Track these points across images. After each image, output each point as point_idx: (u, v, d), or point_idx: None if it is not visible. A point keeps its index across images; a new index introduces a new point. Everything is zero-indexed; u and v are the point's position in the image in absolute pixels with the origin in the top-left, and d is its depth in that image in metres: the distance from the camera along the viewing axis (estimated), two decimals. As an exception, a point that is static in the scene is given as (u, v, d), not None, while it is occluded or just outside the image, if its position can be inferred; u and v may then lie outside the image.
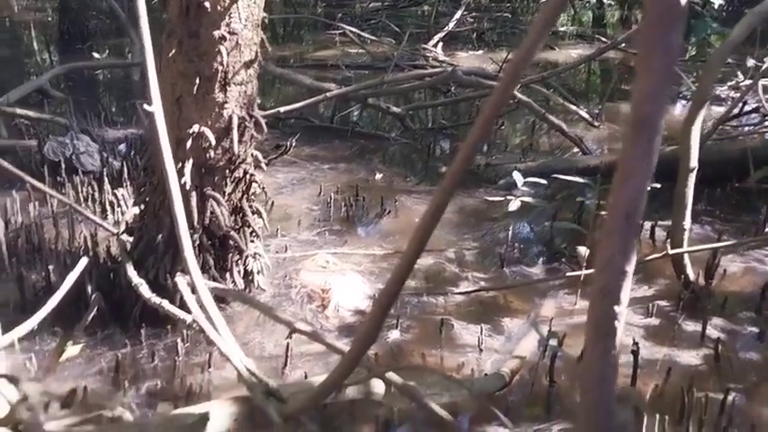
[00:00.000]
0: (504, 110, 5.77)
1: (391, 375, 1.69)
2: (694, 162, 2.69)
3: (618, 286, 1.09)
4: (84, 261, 1.78)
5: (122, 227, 2.78)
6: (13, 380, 0.67)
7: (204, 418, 1.29)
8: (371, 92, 5.01)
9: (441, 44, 7.40)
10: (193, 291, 1.83)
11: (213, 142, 2.48)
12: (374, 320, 1.37)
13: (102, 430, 1.20)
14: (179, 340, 2.50)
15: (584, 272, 2.76)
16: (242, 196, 2.72)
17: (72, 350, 2.48)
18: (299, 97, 5.13)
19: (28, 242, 3.17)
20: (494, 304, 2.88)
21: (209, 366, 2.43)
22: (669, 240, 2.88)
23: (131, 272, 2.47)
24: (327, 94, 4.73)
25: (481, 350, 2.54)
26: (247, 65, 2.48)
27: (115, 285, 2.73)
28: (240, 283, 2.78)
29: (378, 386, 1.78)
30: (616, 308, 1.10)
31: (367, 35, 7.72)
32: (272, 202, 3.71)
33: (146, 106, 1.82)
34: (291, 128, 4.95)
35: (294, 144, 4.26)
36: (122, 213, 3.45)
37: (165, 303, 1.96)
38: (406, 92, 5.73)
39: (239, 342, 2.60)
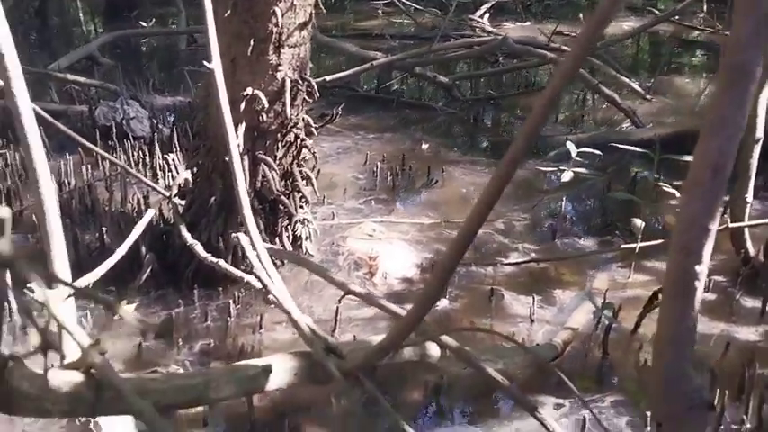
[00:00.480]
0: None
1: (446, 339, 1.67)
2: (760, 133, 2.59)
3: (700, 245, 1.05)
4: (150, 213, 1.78)
5: (174, 190, 2.80)
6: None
7: (267, 369, 1.29)
8: (419, 60, 4.95)
9: (487, 15, 7.26)
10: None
11: (266, 105, 2.47)
12: (438, 281, 1.34)
13: (170, 378, 1.22)
14: (231, 302, 2.52)
15: (640, 244, 2.69)
16: (292, 161, 2.71)
17: (127, 309, 2.52)
18: (342, 67, 5.10)
19: (81, 204, 3.23)
20: (545, 276, 2.84)
21: (261, 328, 2.45)
22: (729, 213, 2.78)
23: (185, 233, 2.49)
24: (374, 62, 4.68)
25: (532, 321, 2.51)
26: (301, 27, 2.46)
27: (168, 247, 2.77)
28: (289, 248, 2.79)
29: (433, 349, 1.77)
30: (697, 267, 1.06)
31: (412, 4, 7.60)
32: (318, 171, 3.69)
33: (205, 63, 1.81)
34: (336, 97, 4.91)
35: (339, 113, 4.23)
36: (173, 178, 3.49)
37: (222, 262, 1.97)
38: (451, 63, 5.65)
39: (288, 306, 2.63)
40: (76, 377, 1.04)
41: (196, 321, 2.51)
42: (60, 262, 1.40)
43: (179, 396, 1.13)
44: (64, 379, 1.02)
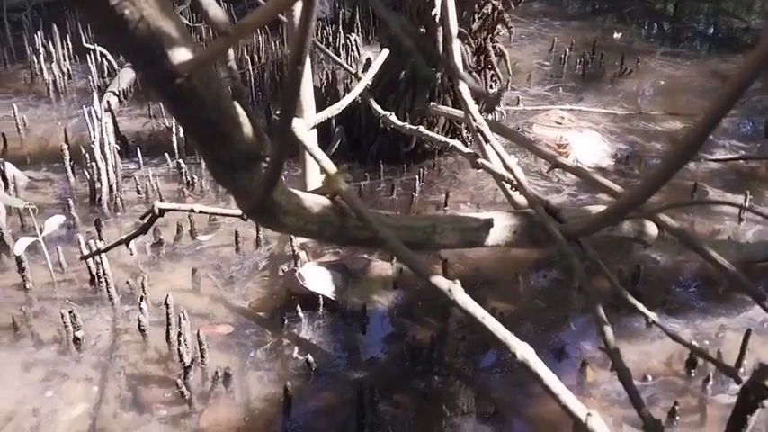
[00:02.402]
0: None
1: (667, 219, 1.54)
2: None
3: None
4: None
5: (363, 66, 2.80)
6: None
7: (488, 224, 1.26)
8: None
9: None
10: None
11: (467, -28, 2.35)
12: (671, 164, 1.21)
13: (401, 218, 1.22)
14: (416, 177, 2.53)
15: None
16: (487, 35, 2.60)
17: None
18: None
19: (272, 79, 3.33)
20: (754, 175, 2.58)
21: (445, 205, 2.44)
22: None
23: (376, 106, 2.49)
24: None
25: (741, 219, 2.30)
26: None
27: (354, 123, 2.80)
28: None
29: (650, 228, 1.65)
30: None
31: None
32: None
33: None
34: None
35: (525, -2, 4.00)
36: (354, 59, 3.51)
37: (422, 128, 1.95)
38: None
39: (473, 187, 2.60)
40: (324, 201, 1.06)
41: (382, 194, 2.54)
42: (308, 102, 1.45)
43: (409, 235, 1.13)
44: (314, 201, 1.04)
